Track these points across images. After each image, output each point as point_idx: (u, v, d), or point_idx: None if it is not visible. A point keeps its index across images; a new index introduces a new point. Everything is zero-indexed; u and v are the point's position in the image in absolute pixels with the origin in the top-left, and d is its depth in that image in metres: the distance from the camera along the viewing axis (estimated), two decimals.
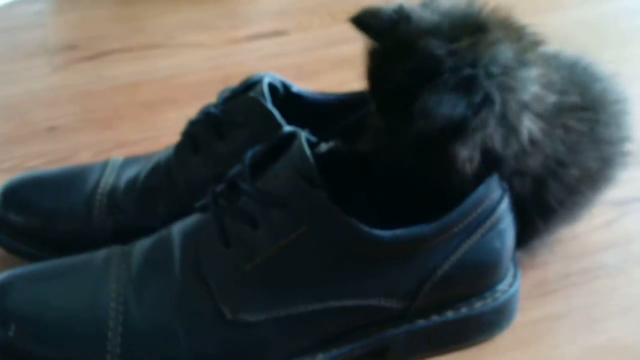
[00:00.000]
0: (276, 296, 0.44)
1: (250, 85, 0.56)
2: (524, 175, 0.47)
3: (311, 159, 0.44)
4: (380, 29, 0.47)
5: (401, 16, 0.46)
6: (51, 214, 0.55)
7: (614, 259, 0.56)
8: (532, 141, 0.45)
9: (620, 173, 0.54)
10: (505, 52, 0.43)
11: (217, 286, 0.44)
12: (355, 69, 0.88)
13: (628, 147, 0.53)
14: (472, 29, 0.43)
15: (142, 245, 0.48)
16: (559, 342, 0.50)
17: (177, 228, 0.48)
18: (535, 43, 0.46)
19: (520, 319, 0.51)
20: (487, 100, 0.41)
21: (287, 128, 0.48)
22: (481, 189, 0.46)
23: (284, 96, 0.58)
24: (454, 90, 0.41)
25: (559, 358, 0.48)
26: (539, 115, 0.45)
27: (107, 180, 0.57)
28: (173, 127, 0.79)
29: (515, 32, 0.45)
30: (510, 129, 0.43)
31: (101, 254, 0.48)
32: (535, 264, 0.55)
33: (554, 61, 0.49)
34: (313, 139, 0.48)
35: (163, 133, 0.78)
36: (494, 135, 0.43)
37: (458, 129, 0.42)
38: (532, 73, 0.44)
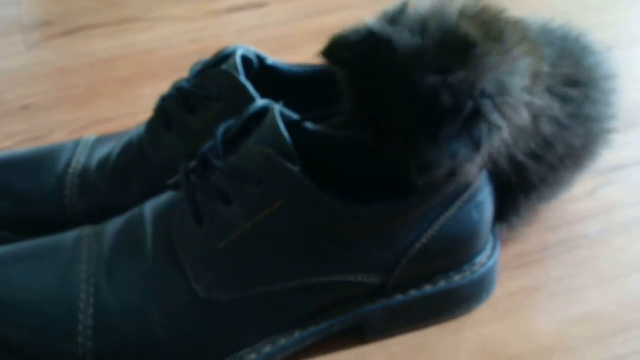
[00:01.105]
0: (250, 274, 0.43)
1: (222, 58, 0.55)
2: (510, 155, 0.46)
3: (285, 133, 0.43)
4: (356, 60, 0.42)
5: (379, 42, 0.41)
6: (22, 196, 0.54)
7: (593, 228, 0.56)
8: (535, 116, 0.44)
9: (604, 150, 0.53)
10: (495, 63, 0.40)
11: (189, 265, 0.43)
12: None
13: (613, 124, 0.52)
14: (457, 47, 0.40)
15: (113, 224, 0.47)
16: (538, 313, 0.49)
17: (149, 206, 0.47)
18: (520, 38, 0.43)
19: (499, 291, 0.51)
20: (494, 130, 0.39)
21: (260, 101, 0.47)
22: None
23: (259, 69, 0.57)
24: (455, 137, 0.39)
25: (538, 329, 0.48)
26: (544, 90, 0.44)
27: (79, 159, 0.56)
28: (150, 103, 0.77)
29: (497, 31, 0.42)
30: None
31: (72, 234, 0.47)
32: (514, 235, 0.54)
33: (544, 36, 0.48)
34: (287, 112, 0.47)
35: (140, 109, 0.76)
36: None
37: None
38: (521, 66, 0.41)
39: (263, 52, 0.58)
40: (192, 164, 0.46)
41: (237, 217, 0.43)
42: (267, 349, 0.45)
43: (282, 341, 0.45)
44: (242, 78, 0.52)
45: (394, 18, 0.42)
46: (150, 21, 0.96)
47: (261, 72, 0.57)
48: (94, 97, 0.79)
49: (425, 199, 0.44)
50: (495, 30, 0.42)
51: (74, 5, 1.01)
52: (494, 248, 0.50)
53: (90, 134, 0.60)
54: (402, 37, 0.40)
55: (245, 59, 0.55)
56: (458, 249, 0.47)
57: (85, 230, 0.48)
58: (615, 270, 0.52)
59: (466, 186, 0.46)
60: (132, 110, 0.77)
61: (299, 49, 0.87)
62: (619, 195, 0.59)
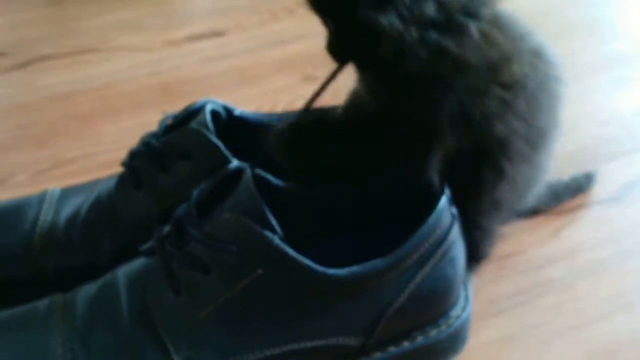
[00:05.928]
0: (233, 344, 0.43)
1: (192, 113, 0.55)
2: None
3: (259, 199, 0.43)
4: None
5: None
6: None
7: (559, 273, 0.57)
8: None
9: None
10: None
11: (169, 336, 0.43)
12: (298, 72, 0.87)
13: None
14: None
15: (85, 292, 0.46)
16: None
17: (122, 272, 0.46)
18: None
19: (473, 342, 0.51)
20: None
21: (234, 164, 0.47)
22: (432, 219, 0.46)
23: (227, 121, 0.57)
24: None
25: None
26: None
27: (46, 217, 0.54)
28: (112, 142, 0.77)
29: None
30: None
31: (42, 304, 0.46)
32: (484, 281, 0.56)
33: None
34: (261, 172, 0.47)
35: (101, 149, 0.75)
36: None
37: None
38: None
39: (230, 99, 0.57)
40: (166, 230, 0.46)
41: (216, 287, 0.43)
42: None
43: None
44: (213, 137, 0.51)
45: None
46: (108, 52, 0.94)
47: (230, 124, 0.57)
48: (54, 136, 0.78)
49: (402, 259, 0.45)
50: None
51: (26, 34, 0.99)
52: (467, 299, 0.51)
53: (55, 187, 0.59)
54: None
55: (214, 113, 0.55)
56: (434, 305, 0.48)
57: (56, 299, 0.46)
58: (582, 318, 0.53)
59: (440, 243, 0.47)
60: (94, 150, 0.75)
61: (263, 80, 0.87)
62: (582, 237, 0.60)
